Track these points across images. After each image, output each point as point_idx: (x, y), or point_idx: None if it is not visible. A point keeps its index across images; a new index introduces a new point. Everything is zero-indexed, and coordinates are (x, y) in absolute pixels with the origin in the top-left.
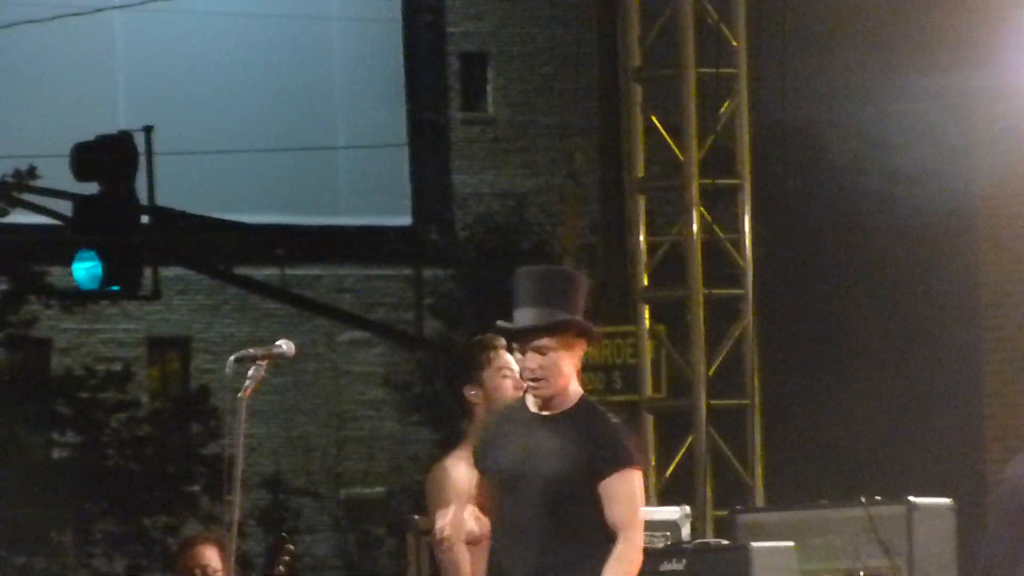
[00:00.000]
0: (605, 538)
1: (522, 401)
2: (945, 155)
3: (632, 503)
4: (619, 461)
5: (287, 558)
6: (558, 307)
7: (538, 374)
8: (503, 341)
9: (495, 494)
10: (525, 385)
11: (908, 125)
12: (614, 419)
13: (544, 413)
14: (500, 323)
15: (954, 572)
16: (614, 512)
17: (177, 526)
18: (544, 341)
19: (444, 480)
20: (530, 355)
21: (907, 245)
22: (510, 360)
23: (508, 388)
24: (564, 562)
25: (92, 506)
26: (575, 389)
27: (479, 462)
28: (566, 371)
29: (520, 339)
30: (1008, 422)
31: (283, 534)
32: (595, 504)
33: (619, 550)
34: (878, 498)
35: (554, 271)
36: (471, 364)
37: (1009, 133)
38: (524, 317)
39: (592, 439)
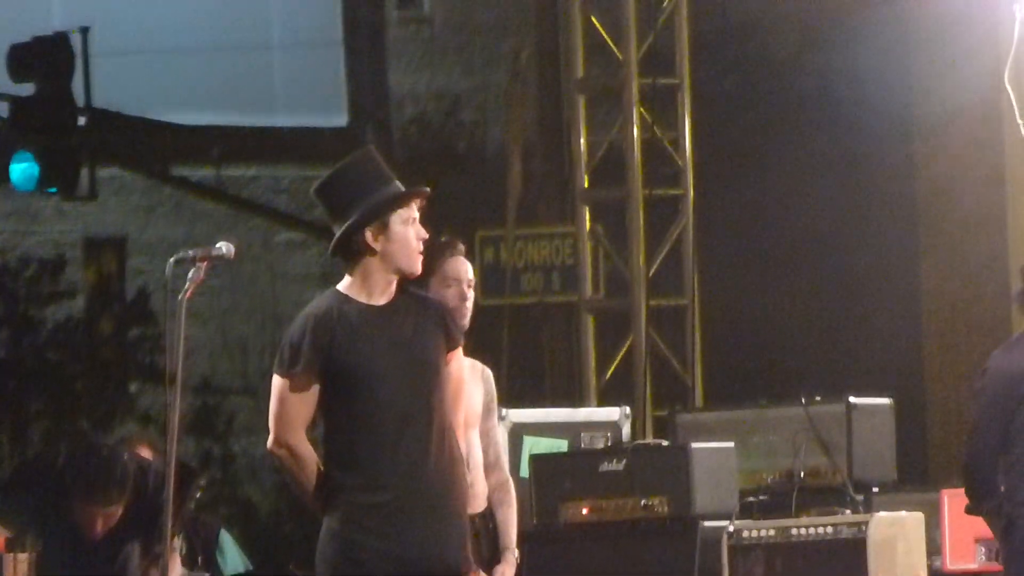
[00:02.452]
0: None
1: (339, 296)
2: (883, 52)
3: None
4: (460, 338)
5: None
6: None
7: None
8: (459, 248)
9: (363, 389)
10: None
11: (846, 23)
12: None
13: (379, 303)
14: (413, 190)
15: (893, 471)
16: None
17: (113, 426)
18: (417, 209)
19: None
20: (416, 222)
21: (844, 143)
22: (460, 270)
23: (450, 298)
24: (452, 435)
25: (28, 405)
26: None
27: (324, 361)
28: None
29: (409, 201)
30: (945, 320)
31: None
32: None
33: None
34: (817, 397)
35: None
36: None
37: (948, 28)
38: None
39: (439, 314)
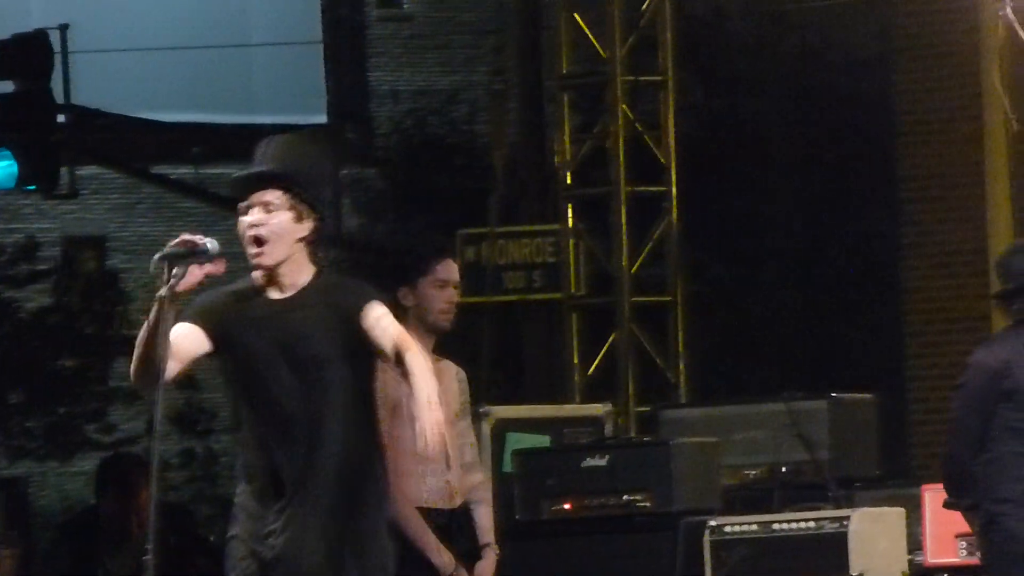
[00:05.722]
0: (363, 406)
1: (252, 285)
2: (866, 52)
3: (395, 323)
4: (368, 295)
5: None
6: (296, 167)
7: (261, 233)
8: (450, 250)
9: (247, 378)
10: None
11: (834, 22)
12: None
13: (281, 297)
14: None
15: (874, 466)
16: (387, 332)
17: (99, 421)
18: (271, 195)
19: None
20: (255, 210)
21: (827, 142)
22: (452, 271)
23: (442, 299)
24: (336, 438)
25: (13, 401)
26: (309, 266)
27: (214, 340)
28: (294, 242)
29: (246, 189)
30: (927, 317)
31: None
32: (351, 370)
33: (413, 364)
34: (799, 393)
35: (299, 135)
36: (411, 267)
37: (930, 26)
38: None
39: (338, 296)
